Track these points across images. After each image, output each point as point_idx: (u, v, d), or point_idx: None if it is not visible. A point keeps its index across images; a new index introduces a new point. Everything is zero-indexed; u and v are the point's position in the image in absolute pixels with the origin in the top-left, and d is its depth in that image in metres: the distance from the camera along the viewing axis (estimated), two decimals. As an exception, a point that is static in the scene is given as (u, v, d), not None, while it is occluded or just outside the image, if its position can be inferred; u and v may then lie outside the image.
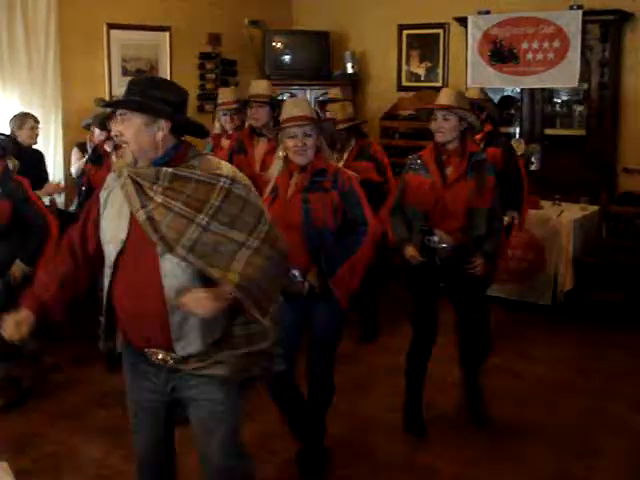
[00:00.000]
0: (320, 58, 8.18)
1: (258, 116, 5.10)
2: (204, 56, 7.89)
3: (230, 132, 5.68)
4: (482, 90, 5.59)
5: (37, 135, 5.98)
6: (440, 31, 7.75)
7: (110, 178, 2.74)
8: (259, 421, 4.17)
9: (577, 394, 4.80)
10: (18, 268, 4.41)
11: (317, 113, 4.11)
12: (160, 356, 2.65)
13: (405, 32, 7.99)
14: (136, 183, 2.57)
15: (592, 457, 4.05)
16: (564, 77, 6.54)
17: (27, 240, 4.43)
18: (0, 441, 4.21)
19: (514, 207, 5.22)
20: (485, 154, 4.44)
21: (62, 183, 6.17)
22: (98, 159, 5.40)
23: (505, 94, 7.42)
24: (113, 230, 2.64)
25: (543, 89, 6.82)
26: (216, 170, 2.61)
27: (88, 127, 6.35)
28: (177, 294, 2.50)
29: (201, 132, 2.78)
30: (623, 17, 6.56)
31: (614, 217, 6.24)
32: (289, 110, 3.64)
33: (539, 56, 6.69)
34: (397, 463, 4.02)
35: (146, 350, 2.68)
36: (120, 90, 7.02)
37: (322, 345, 3.74)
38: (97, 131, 6.25)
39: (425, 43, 7.90)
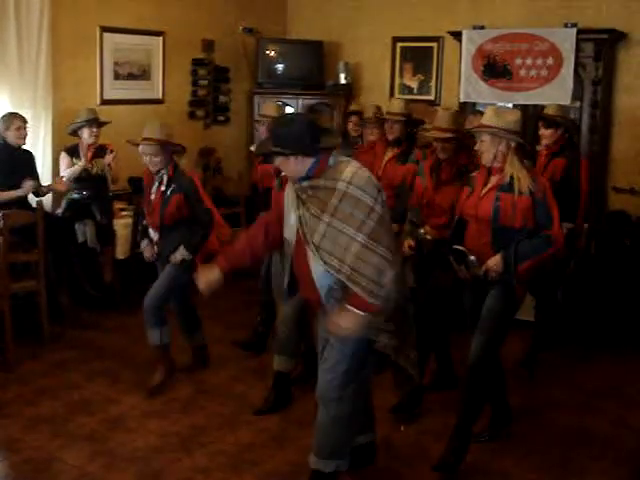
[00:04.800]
0: (313, 68, 8.17)
1: (392, 131, 5.78)
2: (197, 62, 7.87)
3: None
4: (561, 107, 5.61)
5: (25, 136, 5.92)
6: (434, 44, 7.76)
7: (289, 184, 3.57)
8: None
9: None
10: (180, 254, 4.84)
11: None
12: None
13: (399, 44, 7.99)
14: (295, 193, 3.44)
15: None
16: (557, 94, 6.54)
17: (193, 232, 4.88)
18: (-22, 446, 4.18)
19: (569, 219, 5.03)
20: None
21: (59, 181, 6.14)
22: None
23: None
24: (291, 224, 3.49)
25: (535, 106, 6.81)
26: (338, 175, 3.33)
27: (74, 133, 6.32)
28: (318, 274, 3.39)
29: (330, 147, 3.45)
30: (617, 36, 6.58)
31: (603, 235, 6.23)
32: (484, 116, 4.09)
33: (532, 72, 6.69)
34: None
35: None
36: (111, 93, 7.01)
37: (485, 329, 3.95)
38: (86, 134, 6.23)
39: (419, 56, 7.90)
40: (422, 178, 4.96)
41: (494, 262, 3.92)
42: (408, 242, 4.86)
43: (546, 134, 5.38)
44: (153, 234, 5.03)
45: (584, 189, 5.40)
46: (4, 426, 4.40)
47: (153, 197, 4.91)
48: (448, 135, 4.83)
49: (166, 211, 4.84)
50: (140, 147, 4.79)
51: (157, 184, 4.89)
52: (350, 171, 3.35)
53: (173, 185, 4.83)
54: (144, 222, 5.13)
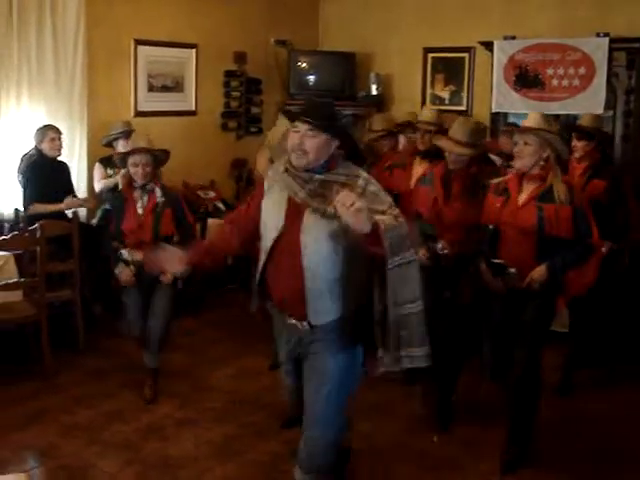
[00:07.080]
0: (345, 79, 8.20)
1: (424, 141, 5.59)
2: (229, 74, 7.93)
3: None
4: (597, 118, 5.51)
5: (60, 147, 5.98)
6: (465, 55, 7.75)
7: (272, 172, 3.27)
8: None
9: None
10: (171, 273, 4.74)
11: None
12: (294, 322, 3.19)
13: (430, 55, 8.00)
14: (295, 177, 3.12)
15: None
16: (589, 104, 6.50)
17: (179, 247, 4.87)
18: (16, 451, 4.24)
19: (611, 238, 4.94)
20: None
21: (89, 199, 6.23)
22: None
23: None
24: (274, 219, 3.15)
25: (567, 116, 6.78)
26: (355, 172, 3.14)
27: (110, 144, 6.41)
28: (313, 273, 3.04)
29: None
30: (650, 45, 6.53)
31: (638, 247, 6.14)
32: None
33: (564, 82, 6.67)
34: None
35: (287, 315, 3.23)
36: (145, 105, 7.10)
37: (527, 341, 3.96)
38: (121, 146, 6.31)
39: (450, 66, 7.90)
40: (431, 188, 4.70)
41: (539, 273, 3.88)
42: (422, 252, 4.46)
43: (579, 146, 5.24)
44: (127, 255, 4.88)
45: (632, 207, 5.23)
46: (42, 432, 4.47)
47: (141, 212, 4.89)
48: (462, 150, 4.59)
49: (161, 226, 4.87)
50: (132, 158, 4.84)
51: (145, 199, 4.90)
52: (365, 173, 3.18)
53: (163, 199, 4.92)
54: (114, 244, 4.93)
